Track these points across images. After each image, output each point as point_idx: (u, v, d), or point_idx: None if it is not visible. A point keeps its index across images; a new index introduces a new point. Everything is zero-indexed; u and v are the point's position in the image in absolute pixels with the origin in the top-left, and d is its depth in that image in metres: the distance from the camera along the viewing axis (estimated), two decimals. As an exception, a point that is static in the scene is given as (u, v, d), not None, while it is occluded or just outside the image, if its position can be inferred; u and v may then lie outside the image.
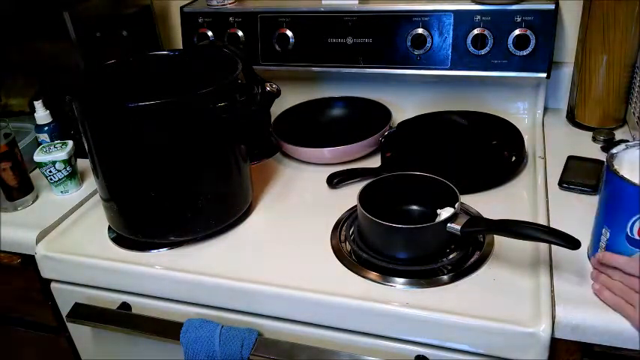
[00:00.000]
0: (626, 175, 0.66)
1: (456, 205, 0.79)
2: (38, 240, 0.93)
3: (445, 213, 0.80)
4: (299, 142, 1.10)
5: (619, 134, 1.08)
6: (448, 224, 0.77)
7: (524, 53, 1.08)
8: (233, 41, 1.25)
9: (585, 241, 0.76)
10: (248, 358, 0.79)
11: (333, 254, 0.84)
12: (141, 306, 0.89)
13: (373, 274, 0.79)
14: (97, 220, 0.97)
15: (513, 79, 1.12)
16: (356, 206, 0.84)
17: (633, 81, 1.06)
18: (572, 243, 0.67)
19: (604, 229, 0.70)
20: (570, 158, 0.99)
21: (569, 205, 0.89)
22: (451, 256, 0.79)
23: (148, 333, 0.86)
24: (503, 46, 1.09)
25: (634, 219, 0.65)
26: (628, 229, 0.66)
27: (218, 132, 0.84)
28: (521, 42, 1.07)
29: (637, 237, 0.66)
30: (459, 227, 0.76)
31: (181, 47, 1.34)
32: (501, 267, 0.78)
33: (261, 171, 1.09)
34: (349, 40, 1.19)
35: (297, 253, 0.85)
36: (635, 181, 0.65)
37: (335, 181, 1.01)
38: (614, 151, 0.70)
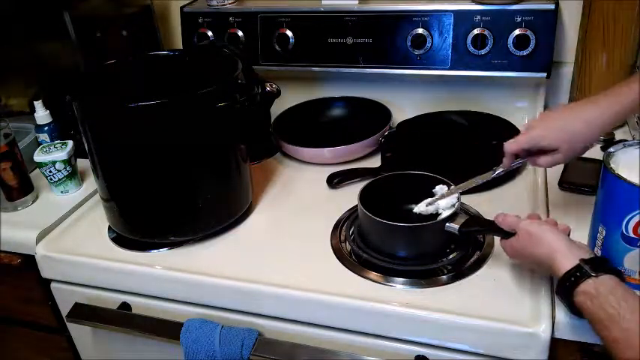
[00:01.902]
0: (624, 174, 0.66)
1: (456, 205, 0.80)
2: (38, 240, 0.93)
3: (443, 203, 0.81)
4: (299, 142, 1.10)
5: (619, 134, 1.07)
6: (447, 224, 0.77)
7: (524, 53, 1.08)
8: (233, 41, 1.25)
9: (585, 241, 0.76)
10: (248, 358, 0.79)
11: (333, 254, 0.84)
12: (141, 306, 0.89)
13: (373, 274, 0.79)
14: (97, 220, 0.97)
15: (513, 79, 1.12)
16: (356, 206, 0.84)
17: (633, 81, 1.06)
18: None
19: (600, 227, 0.70)
20: (570, 158, 0.99)
21: (569, 205, 0.89)
22: (451, 256, 0.79)
23: (148, 333, 0.86)
24: (503, 46, 1.09)
25: (629, 217, 0.65)
26: (623, 227, 0.66)
27: (218, 132, 0.84)
28: (521, 42, 1.07)
29: (632, 235, 0.66)
30: (457, 227, 0.77)
31: (181, 47, 1.34)
32: (501, 267, 0.78)
33: (261, 171, 1.09)
34: (349, 40, 1.19)
35: (297, 253, 0.85)
36: (634, 179, 0.65)
37: (335, 181, 1.01)
38: (611, 150, 0.71)
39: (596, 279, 0.60)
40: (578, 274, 0.61)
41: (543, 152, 0.76)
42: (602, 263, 0.62)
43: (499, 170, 0.82)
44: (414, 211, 0.84)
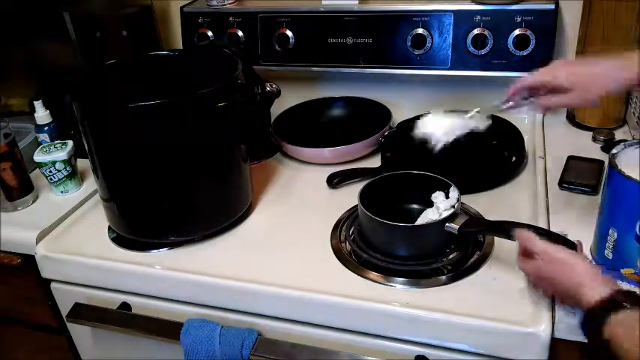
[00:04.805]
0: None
1: (456, 205, 0.80)
2: (38, 240, 0.93)
3: (442, 205, 0.81)
4: (299, 142, 1.10)
5: (619, 134, 1.08)
6: (446, 224, 0.77)
7: (524, 53, 1.08)
8: (233, 41, 1.25)
9: (586, 241, 0.75)
10: (248, 358, 0.79)
11: (333, 254, 0.84)
12: (141, 306, 0.89)
13: (373, 274, 0.79)
14: (97, 220, 0.97)
15: (513, 79, 1.11)
16: (356, 206, 0.84)
17: (633, 81, 1.06)
18: (568, 246, 0.67)
19: (611, 230, 0.70)
20: (570, 158, 0.99)
21: (569, 205, 0.89)
22: (451, 256, 0.79)
23: (148, 333, 0.86)
24: (503, 46, 1.09)
25: None
26: (637, 229, 0.66)
27: (218, 132, 0.84)
28: (521, 42, 1.07)
29: None
30: (457, 227, 0.77)
31: (181, 47, 1.34)
32: (501, 267, 0.78)
33: (261, 171, 1.09)
34: (349, 40, 1.19)
35: (297, 253, 0.85)
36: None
37: (335, 181, 1.01)
38: (614, 151, 0.70)
39: (629, 310, 0.57)
40: (611, 305, 0.58)
41: (554, 92, 0.73)
42: (633, 295, 0.60)
43: (507, 105, 0.79)
44: (417, 223, 0.82)
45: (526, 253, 0.69)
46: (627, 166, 0.68)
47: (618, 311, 0.57)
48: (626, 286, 0.70)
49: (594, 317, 0.59)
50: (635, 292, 0.61)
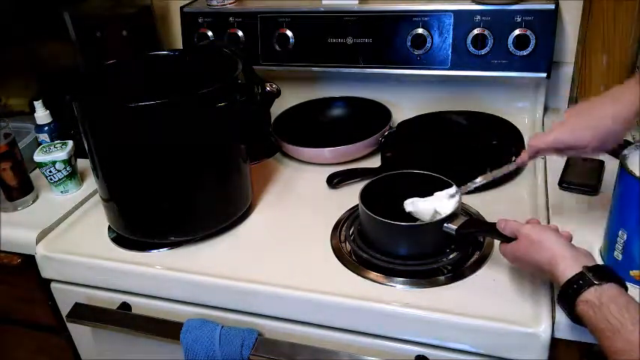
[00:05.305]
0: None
1: (456, 206, 0.79)
2: (38, 240, 0.93)
3: (443, 207, 0.81)
4: (299, 142, 1.10)
5: (619, 134, 1.07)
6: (445, 224, 0.77)
7: (524, 53, 1.08)
8: (233, 41, 1.25)
9: (586, 241, 0.75)
10: (248, 358, 0.79)
11: (333, 254, 0.84)
12: (141, 306, 0.89)
13: (373, 274, 0.79)
14: (97, 220, 0.97)
15: (513, 79, 1.12)
16: (356, 206, 0.84)
17: (633, 81, 1.06)
18: None
19: (620, 231, 0.70)
20: (570, 158, 0.99)
21: (569, 205, 0.89)
22: (451, 257, 0.79)
23: (148, 333, 0.86)
24: (503, 46, 1.09)
25: None
26: None
27: (218, 132, 0.84)
28: (521, 42, 1.07)
29: None
30: (455, 227, 0.77)
31: (181, 47, 1.34)
32: (501, 267, 0.78)
33: (261, 171, 1.09)
34: (349, 40, 1.19)
35: (297, 253, 0.85)
36: None
37: (335, 181, 1.01)
38: (625, 152, 0.70)
39: (599, 287, 0.58)
40: (581, 282, 0.60)
41: (570, 147, 0.75)
42: (605, 271, 0.61)
43: (515, 164, 0.80)
44: (409, 210, 0.83)
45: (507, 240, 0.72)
46: (636, 167, 0.68)
47: (587, 289, 0.59)
48: (633, 288, 0.69)
49: (564, 296, 0.62)
50: (604, 267, 0.63)
